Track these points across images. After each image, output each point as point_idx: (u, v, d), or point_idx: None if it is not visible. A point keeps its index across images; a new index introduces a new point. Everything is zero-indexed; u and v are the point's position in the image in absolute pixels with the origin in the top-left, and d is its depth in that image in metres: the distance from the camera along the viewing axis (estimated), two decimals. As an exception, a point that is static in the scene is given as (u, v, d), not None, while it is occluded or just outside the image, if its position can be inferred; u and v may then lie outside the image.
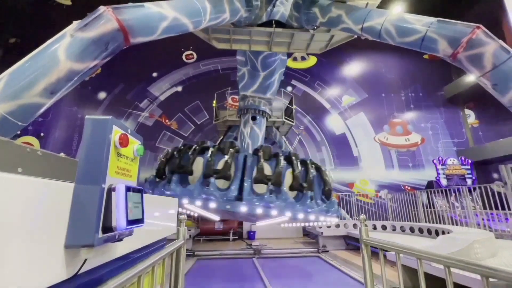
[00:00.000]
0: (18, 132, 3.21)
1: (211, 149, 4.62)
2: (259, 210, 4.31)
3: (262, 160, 4.53)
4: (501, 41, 3.46)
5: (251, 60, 7.39)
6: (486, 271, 1.18)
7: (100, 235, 0.84)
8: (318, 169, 5.10)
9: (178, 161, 4.58)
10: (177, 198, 4.34)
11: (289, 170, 4.70)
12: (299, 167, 4.78)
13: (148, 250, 1.74)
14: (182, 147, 4.87)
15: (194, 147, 4.74)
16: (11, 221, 0.66)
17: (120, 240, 1.00)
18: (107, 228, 0.87)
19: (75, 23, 3.28)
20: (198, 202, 4.25)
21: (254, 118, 7.58)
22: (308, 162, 4.97)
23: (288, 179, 4.69)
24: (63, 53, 3.06)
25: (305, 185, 4.61)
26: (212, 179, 4.30)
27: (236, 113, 10.78)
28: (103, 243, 0.87)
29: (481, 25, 3.55)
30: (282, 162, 4.62)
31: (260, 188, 4.50)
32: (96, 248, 0.88)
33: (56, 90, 3.08)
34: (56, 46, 3.09)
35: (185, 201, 4.29)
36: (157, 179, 4.93)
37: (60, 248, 0.80)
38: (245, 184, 4.41)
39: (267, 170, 4.50)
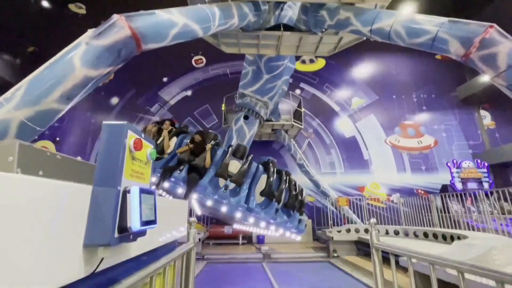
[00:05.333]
0: (36, 137, 3.34)
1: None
2: (209, 204, 4.55)
3: (231, 157, 4.71)
4: (516, 40, 3.37)
5: (256, 61, 7.44)
6: (501, 277, 1.15)
7: (116, 235, 0.88)
8: (296, 188, 5.23)
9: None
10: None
11: (264, 176, 4.84)
12: (276, 176, 4.95)
13: (159, 252, 1.77)
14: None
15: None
16: (34, 221, 0.70)
17: (134, 240, 1.03)
18: (123, 228, 0.90)
19: (90, 31, 3.40)
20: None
21: (246, 117, 7.58)
22: (289, 176, 5.14)
23: (262, 183, 4.88)
24: (78, 61, 3.18)
25: (276, 194, 4.71)
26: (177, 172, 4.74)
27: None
28: (118, 243, 0.91)
29: (494, 24, 3.46)
30: (257, 167, 4.92)
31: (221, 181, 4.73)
32: (112, 248, 0.91)
33: (72, 96, 3.20)
34: (72, 54, 3.21)
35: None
36: None
37: (79, 247, 0.84)
38: (206, 176, 4.77)
39: (236, 167, 4.73)
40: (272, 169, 4.89)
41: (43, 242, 0.72)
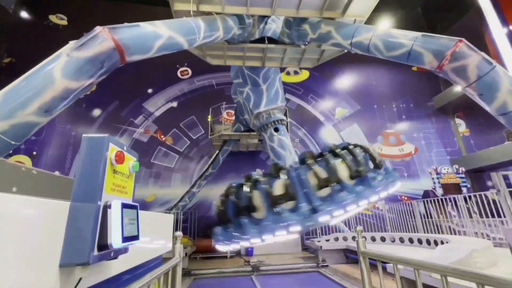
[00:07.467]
0: (10, 152, 3.17)
1: (263, 178, 4.59)
2: (338, 212, 4.21)
3: (314, 166, 4.44)
4: (483, 53, 3.62)
5: (251, 78, 7.50)
6: (481, 279, 1.19)
7: (96, 252, 0.84)
8: (362, 148, 5.07)
9: (237, 203, 4.57)
10: (256, 237, 4.28)
11: (339, 162, 4.63)
12: (347, 156, 4.74)
13: (143, 269, 1.70)
14: (233, 189, 4.89)
15: (245, 183, 4.75)
16: (5, 241, 0.66)
17: (116, 257, 0.99)
18: (103, 245, 0.86)
19: (72, 43, 3.33)
20: (280, 232, 4.15)
21: (276, 130, 7.52)
22: (351, 146, 4.97)
23: (343, 171, 4.60)
24: (58, 72, 3.09)
25: (361, 169, 4.53)
26: (282, 206, 4.24)
27: (239, 131, 10.80)
28: (98, 261, 0.86)
29: (463, 39, 3.71)
30: (332, 159, 4.59)
31: (324, 191, 4.42)
32: (91, 267, 0.87)
33: (51, 109, 3.09)
34: (52, 65, 3.12)
35: (265, 237, 4.18)
36: (226, 229, 4.86)
37: (55, 268, 0.79)
38: (311, 196, 4.31)
39: (322, 173, 4.44)
40: (341, 152, 4.57)
41: (15, 263, 0.68)
